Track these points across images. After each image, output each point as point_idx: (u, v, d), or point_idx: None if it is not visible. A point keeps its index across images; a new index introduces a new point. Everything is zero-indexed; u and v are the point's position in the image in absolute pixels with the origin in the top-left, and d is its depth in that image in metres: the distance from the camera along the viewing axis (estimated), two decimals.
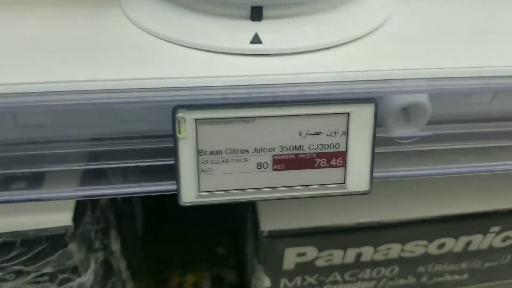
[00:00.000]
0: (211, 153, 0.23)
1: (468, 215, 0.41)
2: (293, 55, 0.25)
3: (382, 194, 0.41)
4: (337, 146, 0.23)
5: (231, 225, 0.56)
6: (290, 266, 0.42)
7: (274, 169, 0.23)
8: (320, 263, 0.42)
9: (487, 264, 0.47)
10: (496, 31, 0.28)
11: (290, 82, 0.23)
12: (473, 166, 0.26)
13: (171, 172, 0.24)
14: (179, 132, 0.22)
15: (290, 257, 0.41)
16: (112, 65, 0.24)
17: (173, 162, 0.24)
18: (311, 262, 0.42)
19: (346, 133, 0.23)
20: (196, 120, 0.22)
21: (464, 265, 0.46)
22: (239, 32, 0.25)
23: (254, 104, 0.22)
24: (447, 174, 0.26)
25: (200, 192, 0.23)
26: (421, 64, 0.25)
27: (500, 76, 0.25)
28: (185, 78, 0.23)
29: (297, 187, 0.24)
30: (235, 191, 0.24)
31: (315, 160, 0.23)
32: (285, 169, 0.23)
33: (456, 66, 0.25)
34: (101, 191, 0.26)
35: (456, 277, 0.48)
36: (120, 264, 0.41)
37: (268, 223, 0.39)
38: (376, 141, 0.25)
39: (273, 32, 0.25)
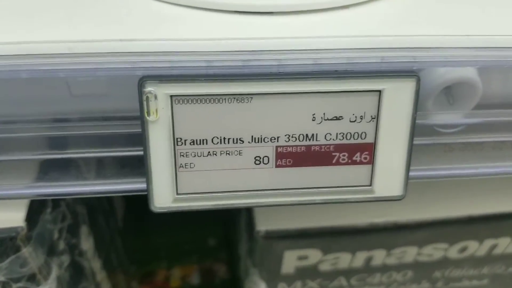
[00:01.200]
0: (193, 142, 0.17)
1: (496, 215, 0.37)
2: (303, 14, 0.20)
3: None
4: (363, 135, 0.17)
5: (223, 214, 0.51)
6: (289, 270, 0.37)
7: (277, 166, 0.17)
8: (324, 267, 0.37)
9: (511, 269, 0.42)
10: None
11: (301, 48, 0.17)
12: None
13: (142, 167, 0.18)
14: (148, 114, 0.16)
15: (290, 261, 0.36)
16: (58, 22, 0.18)
17: (142, 153, 0.17)
18: (314, 266, 0.37)
19: (376, 118, 0.17)
20: (171, 96, 0.16)
21: (485, 270, 0.42)
22: None
23: (251, 77, 0.16)
24: (500, 174, 0.20)
25: (178, 194, 0.17)
26: (469, 31, 0.20)
27: None
28: (157, 41, 0.16)
29: (308, 190, 0.18)
30: (224, 194, 0.18)
31: (333, 154, 0.17)
32: (292, 165, 0.17)
33: None
34: (52, 190, 0.20)
35: (475, 282, 0.44)
36: (94, 265, 0.36)
37: (265, 222, 0.34)
38: None
39: None
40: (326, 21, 0.20)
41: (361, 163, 0.18)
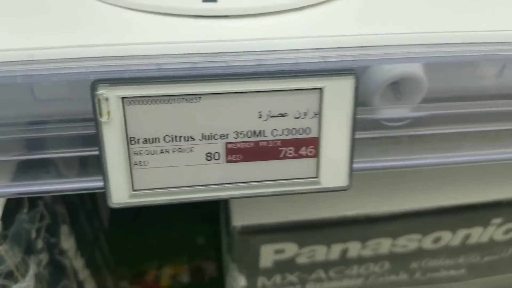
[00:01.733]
0: (146, 141, 0.18)
1: (467, 206, 0.38)
2: (256, 17, 0.21)
3: (370, 184, 0.37)
4: (308, 131, 0.18)
5: (211, 212, 0.51)
6: (267, 264, 0.38)
7: (228, 161, 0.18)
8: (301, 260, 0.38)
9: (486, 258, 0.43)
10: None
11: (247, 50, 0.18)
12: (478, 154, 0.22)
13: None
14: (101, 115, 0.17)
15: (267, 255, 0.37)
16: (18, 30, 0.19)
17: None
18: (291, 259, 0.38)
19: (319, 114, 0.18)
20: (123, 98, 0.17)
21: (461, 260, 0.43)
22: None
23: (199, 78, 0.17)
24: (446, 164, 0.21)
25: (134, 190, 0.18)
26: (414, 28, 0.21)
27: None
28: (109, 46, 0.17)
29: (258, 183, 0.19)
30: (178, 189, 0.19)
31: (280, 148, 0.18)
32: (241, 160, 0.19)
33: (456, 30, 0.20)
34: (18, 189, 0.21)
35: (452, 272, 0.45)
36: (75, 263, 0.36)
37: (241, 217, 0.35)
38: (358, 124, 0.20)
39: None
40: (275, 23, 0.21)
41: (307, 156, 0.19)
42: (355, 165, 0.20)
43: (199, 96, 0.18)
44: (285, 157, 0.19)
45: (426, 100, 0.22)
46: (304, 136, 0.19)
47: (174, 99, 0.18)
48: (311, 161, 0.19)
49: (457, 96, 0.23)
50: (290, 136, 0.19)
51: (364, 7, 0.22)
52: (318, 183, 0.19)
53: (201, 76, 0.18)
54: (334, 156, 0.19)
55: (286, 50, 0.19)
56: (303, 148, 0.19)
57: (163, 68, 0.18)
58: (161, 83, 0.17)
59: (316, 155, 0.19)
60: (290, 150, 0.19)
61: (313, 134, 0.19)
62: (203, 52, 0.18)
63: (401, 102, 0.21)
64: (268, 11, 0.21)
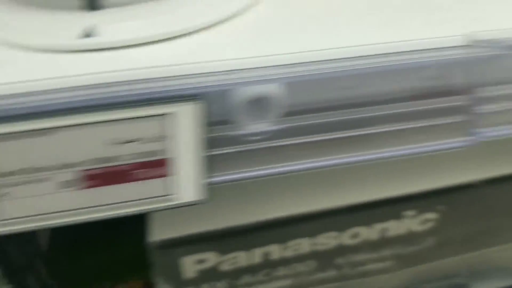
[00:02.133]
0: (4, 175, 0.19)
1: (378, 201, 0.40)
2: (129, 48, 0.23)
3: (282, 188, 0.38)
4: (160, 153, 0.20)
5: None
6: (191, 274, 0.39)
7: (85, 187, 0.20)
8: (224, 267, 0.39)
9: (410, 249, 0.45)
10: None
11: (98, 83, 0.19)
12: (337, 158, 0.23)
13: None
14: None
15: (189, 266, 0.38)
16: None
17: None
18: (214, 268, 0.39)
19: (169, 137, 0.20)
20: None
21: (386, 252, 0.45)
22: (63, 23, 0.22)
23: (49, 113, 0.19)
24: (305, 169, 0.23)
25: (1, 220, 0.20)
26: (276, 50, 0.23)
27: (364, 56, 0.23)
28: None
29: (115, 205, 0.20)
30: (42, 216, 0.20)
31: (133, 172, 0.20)
32: (97, 185, 0.20)
33: (312, 49, 0.22)
34: None
35: (380, 264, 0.46)
36: None
37: (157, 232, 0.36)
38: (220, 141, 0.22)
39: (111, 22, 0.22)
40: (145, 54, 0.22)
41: (160, 176, 0.20)
42: (216, 179, 0.22)
43: (51, 129, 0.19)
44: (139, 179, 0.20)
45: (291, 113, 0.23)
46: (157, 157, 0.20)
47: (27, 135, 0.19)
48: (165, 180, 0.20)
49: (322, 106, 0.24)
50: (143, 159, 0.20)
51: (240, 34, 0.24)
52: (174, 199, 0.21)
53: (54, 111, 0.19)
54: (187, 174, 0.20)
55: (137, 80, 0.20)
56: (156, 169, 0.20)
57: (16, 108, 0.19)
58: (12, 121, 0.19)
59: (170, 174, 0.20)
60: (143, 172, 0.20)
61: (166, 155, 0.20)
62: (55, 88, 0.19)
63: (263, 118, 0.23)
64: (139, 43, 0.23)
